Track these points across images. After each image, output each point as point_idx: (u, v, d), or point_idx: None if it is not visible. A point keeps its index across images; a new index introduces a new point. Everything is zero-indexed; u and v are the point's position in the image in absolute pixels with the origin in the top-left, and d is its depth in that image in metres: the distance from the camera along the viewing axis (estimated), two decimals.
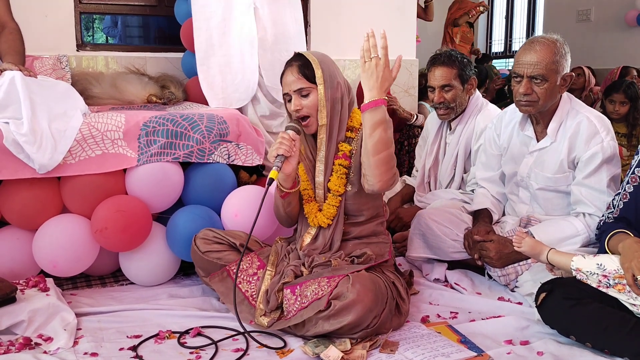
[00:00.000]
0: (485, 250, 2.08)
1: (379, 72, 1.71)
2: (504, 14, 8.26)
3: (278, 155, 1.76)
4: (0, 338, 1.71)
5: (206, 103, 2.95)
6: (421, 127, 2.93)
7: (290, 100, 1.87)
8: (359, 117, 1.90)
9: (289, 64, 1.88)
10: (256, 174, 2.45)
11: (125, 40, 3.69)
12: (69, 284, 2.17)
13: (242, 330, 1.74)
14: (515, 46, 8.09)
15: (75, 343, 1.70)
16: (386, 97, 2.87)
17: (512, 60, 7.84)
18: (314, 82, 1.83)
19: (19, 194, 2.02)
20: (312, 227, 1.91)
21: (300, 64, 1.85)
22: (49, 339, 1.70)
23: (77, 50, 3.17)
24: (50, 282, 1.95)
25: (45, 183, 2.05)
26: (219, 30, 2.57)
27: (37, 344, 1.68)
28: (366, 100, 1.72)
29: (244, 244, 1.96)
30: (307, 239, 1.92)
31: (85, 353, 1.64)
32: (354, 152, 1.87)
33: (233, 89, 2.58)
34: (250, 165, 2.32)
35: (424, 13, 5.34)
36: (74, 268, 2.07)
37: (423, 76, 3.49)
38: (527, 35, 7.73)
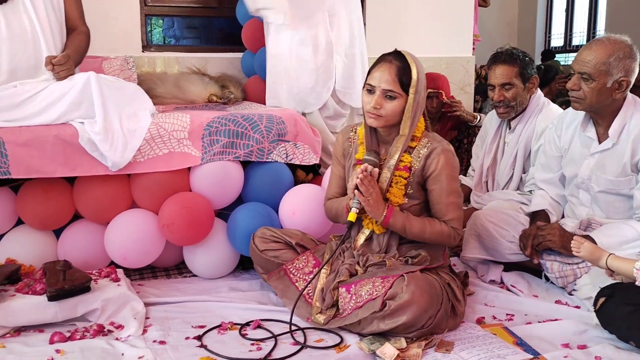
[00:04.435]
0: (546, 234, 2.06)
1: (378, 199, 1.81)
2: (564, 6, 8.00)
3: (357, 193, 1.79)
4: (76, 324, 1.84)
5: (264, 103, 3.04)
6: (481, 126, 2.90)
7: (371, 92, 1.83)
8: (420, 125, 1.90)
9: (387, 59, 1.83)
10: (312, 173, 2.51)
11: (186, 41, 3.83)
12: (137, 275, 2.30)
13: (300, 326, 1.80)
14: (576, 40, 7.81)
15: (144, 331, 1.81)
16: (448, 101, 2.85)
17: (572, 55, 7.59)
18: (406, 90, 1.81)
19: (93, 189, 2.15)
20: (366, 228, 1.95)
21: (401, 66, 1.81)
22: (120, 327, 1.82)
23: (143, 51, 3.32)
24: (120, 272, 2.07)
25: (116, 180, 2.17)
26: (295, 36, 2.61)
27: (109, 331, 1.80)
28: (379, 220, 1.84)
29: (301, 243, 2.04)
30: (361, 239, 1.95)
31: (154, 341, 1.74)
32: (413, 166, 1.87)
33: (307, 93, 2.63)
34: (307, 164, 2.38)
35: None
36: (142, 260, 2.19)
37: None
38: (589, 29, 7.46)
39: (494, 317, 1.92)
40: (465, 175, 2.87)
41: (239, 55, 3.43)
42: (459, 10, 3.89)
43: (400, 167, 1.86)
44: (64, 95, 2.11)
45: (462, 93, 3.92)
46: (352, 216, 1.82)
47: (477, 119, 3.32)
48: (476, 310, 1.97)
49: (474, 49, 4.06)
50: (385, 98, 1.82)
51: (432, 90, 3.34)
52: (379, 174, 1.89)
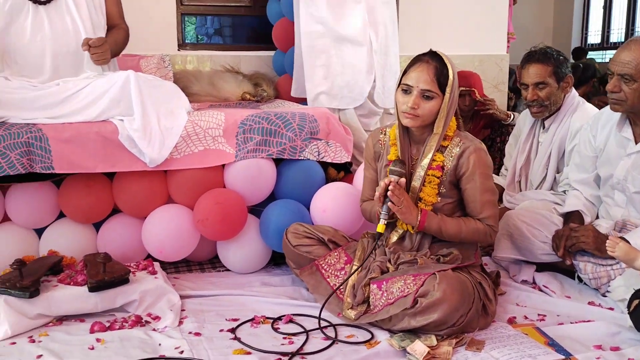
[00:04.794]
0: (580, 235, 2.04)
1: (409, 206, 1.83)
2: (602, 3, 7.82)
3: (384, 205, 1.82)
4: (115, 315, 1.91)
5: (296, 100, 3.08)
6: (514, 125, 2.88)
7: (407, 92, 1.84)
8: (452, 124, 1.91)
9: (424, 59, 1.84)
10: (344, 171, 2.53)
11: (220, 40, 3.90)
12: (172, 268, 2.36)
13: (331, 321, 1.83)
14: (614, 37, 7.64)
15: (180, 323, 1.86)
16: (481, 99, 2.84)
17: (610, 52, 7.42)
18: (443, 90, 1.83)
19: (131, 185, 2.22)
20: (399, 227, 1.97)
21: (438, 67, 1.82)
22: (157, 318, 1.88)
23: (178, 50, 3.40)
24: (157, 266, 2.13)
25: (153, 176, 2.23)
26: (331, 36, 2.64)
27: (147, 322, 1.86)
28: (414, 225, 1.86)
29: (333, 239, 2.07)
30: (394, 238, 1.97)
31: (190, 332, 1.79)
32: (445, 165, 1.88)
33: (356, 90, 2.64)
34: (339, 162, 2.40)
35: None
36: (177, 254, 2.25)
37: None
38: (627, 26, 7.28)
39: (526, 317, 1.91)
40: (498, 175, 2.85)
41: (271, 53, 3.48)
42: (494, 7, 3.86)
43: (433, 166, 1.87)
44: (105, 93, 2.18)
45: (496, 91, 3.89)
46: (380, 227, 1.84)
47: (510, 117, 3.29)
48: (508, 310, 1.97)
49: (508, 46, 4.02)
50: (423, 98, 1.83)
51: (464, 89, 3.33)
52: (412, 172, 1.90)
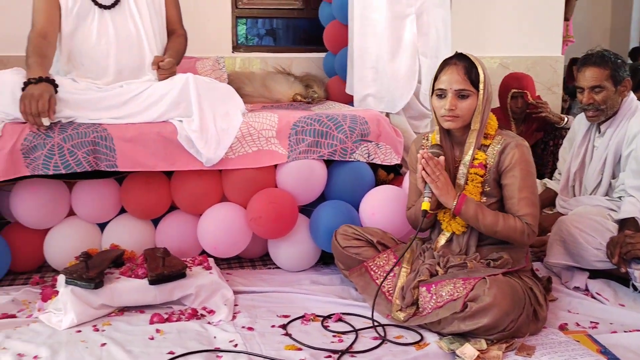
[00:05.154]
0: (635, 242, 1.99)
1: (446, 183, 1.86)
2: None
3: (427, 185, 1.86)
4: (172, 307, 2.00)
5: (345, 102, 3.12)
6: (568, 128, 2.83)
7: (442, 97, 1.89)
8: (493, 123, 1.93)
9: (451, 62, 1.89)
10: (394, 173, 2.55)
11: (272, 42, 3.98)
12: (225, 264, 2.44)
13: (380, 322, 1.86)
14: None
15: (234, 317, 1.93)
16: (534, 102, 2.82)
17: None
18: (476, 87, 1.87)
19: (188, 183, 2.31)
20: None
21: (467, 65, 1.87)
22: (211, 312, 1.96)
23: (232, 52, 3.48)
24: (211, 261, 2.21)
25: (209, 175, 2.32)
26: (381, 38, 2.66)
27: (202, 315, 1.94)
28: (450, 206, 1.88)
29: (381, 241, 2.10)
30: (442, 241, 1.98)
31: (243, 327, 1.86)
32: (488, 163, 1.89)
33: (397, 94, 2.66)
34: (389, 164, 2.43)
35: None
36: (230, 250, 2.33)
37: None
38: None
39: (578, 324, 1.89)
40: (551, 179, 2.81)
41: (322, 55, 3.52)
42: (548, 8, 3.78)
43: (475, 164, 1.90)
44: (165, 95, 2.28)
45: (550, 93, 3.81)
46: (425, 205, 1.86)
47: (564, 120, 3.22)
48: (559, 316, 1.95)
49: (565, 48, 3.93)
50: (459, 98, 1.87)
51: (516, 91, 3.29)
52: (456, 169, 1.92)
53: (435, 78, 1.92)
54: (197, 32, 3.24)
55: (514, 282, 1.77)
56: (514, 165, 1.87)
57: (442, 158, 1.88)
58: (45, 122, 2.07)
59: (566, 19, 4.91)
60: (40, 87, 2.07)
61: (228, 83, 3.16)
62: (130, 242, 2.29)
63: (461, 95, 1.87)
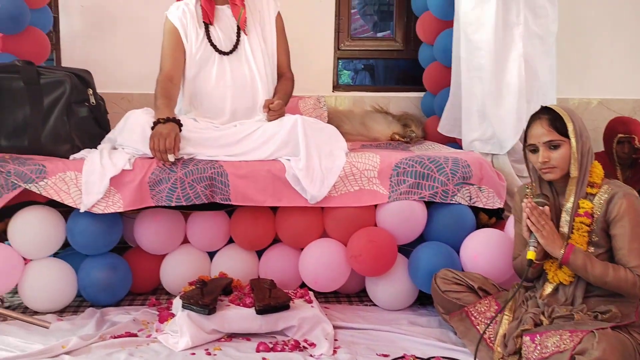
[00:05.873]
0: None
1: (552, 232, 1.86)
2: None
3: (532, 234, 1.87)
4: (276, 337, 2.10)
5: (443, 142, 3.15)
6: None
7: (534, 151, 1.94)
8: (598, 171, 1.91)
9: (536, 117, 1.95)
10: (496, 217, 2.54)
11: (371, 81, 4.10)
12: (322, 298, 2.52)
13: None
14: None
15: (334, 352, 1.99)
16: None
17: None
18: (565, 135, 1.88)
19: (292, 218, 2.43)
20: None
21: (550, 117, 1.91)
22: (312, 345, 2.03)
23: (333, 91, 3.63)
24: (312, 295, 2.31)
25: (312, 211, 2.42)
26: (488, 82, 2.70)
27: (304, 347, 2.02)
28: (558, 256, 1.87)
29: (482, 287, 2.10)
30: (548, 290, 1.96)
31: None
32: (595, 213, 1.86)
33: (504, 137, 2.68)
34: (491, 208, 2.43)
35: None
36: (330, 285, 2.42)
37: None
38: None
39: None
40: None
41: (420, 94, 3.59)
42: None
43: (580, 213, 1.88)
44: (275, 135, 2.43)
45: None
46: (531, 254, 1.86)
47: None
48: None
49: None
50: (550, 149, 1.89)
51: (623, 135, 3.19)
52: (559, 218, 1.91)
53: (526, 135, 1.96)
54: (301, 72, 3.40)
55: (624, 338, 1.72)
56: (623, 215, 1.83)
57: (547, 208, 1.88)
58: (171, 158, 2.28)
59: None
60: (167, 127, 2.29)
61: (328, 121, 3.31)
62: (236, 270, 2.44)
63: (551, 145, 1.89)
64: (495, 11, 2.61)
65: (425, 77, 3.42)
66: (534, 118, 1.97)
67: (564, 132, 1.89)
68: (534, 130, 1.94)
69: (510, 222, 2.39)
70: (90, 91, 2.51)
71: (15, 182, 2.22)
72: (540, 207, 1.88)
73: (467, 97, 2.79)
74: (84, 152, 2.40)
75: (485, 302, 2.06)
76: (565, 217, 1.91)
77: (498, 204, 2.42)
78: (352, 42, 3.66)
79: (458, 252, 2.37)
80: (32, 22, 2.83)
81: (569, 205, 1.90)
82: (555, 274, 1.92)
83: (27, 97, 2.36)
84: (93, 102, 2.51)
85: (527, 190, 2.06)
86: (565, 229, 1.91)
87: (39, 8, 2.89)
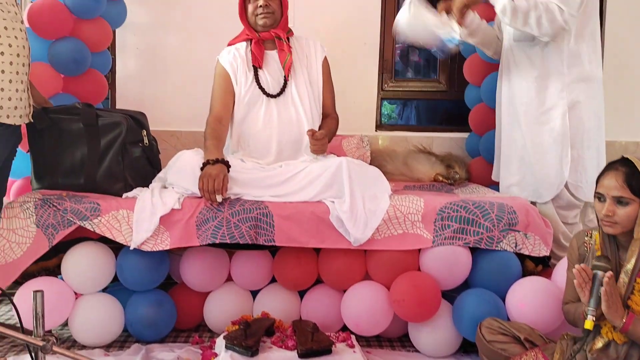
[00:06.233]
0: None
1: (617, 302, 1.78)
2: None
3: (592, 299, 1.79)
4: None
5: (488, 184, 3.12)
6: None
7: (601, 200, 1.87)
8: None
9: (613, 166, 1.88)
10: (542, 265, 2.49)
11: (414, 121, 4.11)
12: (363, 341, 2.49)
13: None
14: None
15: None
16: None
17: None
18: (637, 195, 1.81)
19: (335, 260, 2.44)
20: None
21: (628, 171, 1.83)
22: None
23: (376, 131, 3.66)
24: (353, 339, 2.29)
25: (355, 253, 2.43)
26: (529, 128, 2.65)
27: None
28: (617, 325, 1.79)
29: (529, 338, 2.05)
30: (599, 344, 1.89)
31: None
32: None
33: (545, 184, 2.63)
34: (537, 255, 2.39)
35: None
36: (372, 329, 2.40)
37: None
38: None
39: None
40: None
41: (464, 135, 3.58)
42: None
43: None
44: (319, 176, 2.47)
45: None
46: (589, 324, 1.79)
47: None
48: None
49: None
50: (617, 204, 1.82)
51: None
52: (616, 279, 1.84)
53: (597, 180, 1.90)
54: (344, 112, 3.44)
55: None
56: None
57: (610, 273, 1.80)
58: (219, 198, 2.34)
59: None
60: (216, 168, 2.36)
61: (371, 160, 3.34)
62: (278, 310, 2.45)
63: (619, 201, 1.82)
64: (540, 57, 2.60)
65: (471, 117, 3.42)
66: (610, 167, 1.88)
67: (637, 190, 1.80)
68: (607, 181, 1.85)
69: (558, 271, 2.33)
70: (144, 132, 2.62)
71: (71, 219, 2.32)
72: (602, 272, 1.78)
73: (507, 142, 2.77)
74: (136, 191, 2.49)
75: (532, 354, 2.00)
76: (623, 278, 1.83)
77: (545, 252, 2.38)
78: (396, 83, 3.70)
79: (503, 300, 2.33)
80: (93, 64, 2.99)
81: (629, 266, 1.83)
82: (609, 330, 1.85)
83: (85, 137, 2.49)
84: (146, 143, 2.61)
85: (586, 238, 2.00)
86: (622, 289, 1.84)
87: (99, 51, 3.05)
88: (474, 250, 2.41)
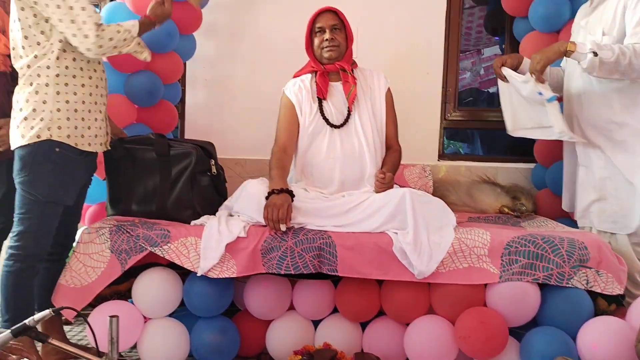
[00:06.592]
0: None
1: None
2: None
3: None
4: None
5: (555, 217, 3.02)
6: None
7: None
8: None
9: None
10: (616, 304, 2.38)
11: (478, 151, 4.05)
12: None
13: None
14: None
15: None
16: None
17: None
18: None
19: (398, 292, 2.42)
20: None
21: None
22: None
23: (438, 160, 3.63)
24: None
25: (418, 286, 2.40)
26: (606, 160, 2.59)
27: None
28: None
29: None
30: None
31: None
32: None
33: (620, 216, 2.54)
34: (610, 294, 2.28)
35: None
36: None
37: None
38: None
39: None
40: None
41: (529, 166, 3.49)
42: None
43: None
44: (382, 207, 2.47)
45: None
46: None
47: None
48: None
49: None
50: None
51: None
52: None
53: None
54: (407, 141, 3.44)
55: None
56: None
57: None
58: (283, 227, 2.38)
59: None
60: (281, 198, 2.40)
61: (433, 191, 3.31)
62: (340, 341, 2.44)
63: None
64: (617, 89, 2.52)
65: (537, 149, 3.33)
66: None
67: None
68: None
69: (632, 311, 2.22)
70: (213, 162, 2.72)
71: (143, 245, 2.41)
72: None
73: (584, 181, 2.66)
74: (203, 219, 2.57)
75: None
76: None
77: (618, 290, 2.27)
78: (459, 113, 3.67)
79: (574, 339, 2.23)
80: (164, 95, 3.14)
81: None
82: None
83: (158, 167, 2.60)
84: (214, 172, 2.70)
85: None
86: None
87: (171, 83, 3.19)
88: (543, 287, 2.33)
